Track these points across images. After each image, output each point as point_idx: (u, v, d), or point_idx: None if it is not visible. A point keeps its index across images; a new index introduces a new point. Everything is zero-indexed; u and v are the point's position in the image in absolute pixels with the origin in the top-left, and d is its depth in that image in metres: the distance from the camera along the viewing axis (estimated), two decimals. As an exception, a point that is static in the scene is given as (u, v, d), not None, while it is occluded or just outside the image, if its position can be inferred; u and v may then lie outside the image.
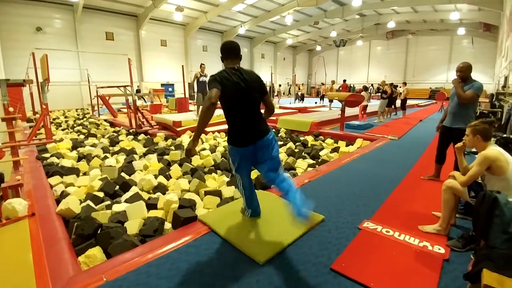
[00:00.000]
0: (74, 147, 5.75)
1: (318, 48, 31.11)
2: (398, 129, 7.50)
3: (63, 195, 3.18)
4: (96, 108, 12.11)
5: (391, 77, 24.56)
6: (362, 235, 2.23)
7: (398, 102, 10.60)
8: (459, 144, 2.27)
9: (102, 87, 10.86)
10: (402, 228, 2.31)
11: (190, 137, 6.66)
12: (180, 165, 4.45)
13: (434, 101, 20.01)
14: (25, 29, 14.05)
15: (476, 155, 2.08)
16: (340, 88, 15.77)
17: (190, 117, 7.91)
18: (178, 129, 7.16)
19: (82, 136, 7.19)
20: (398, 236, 2.18)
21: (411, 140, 6.14)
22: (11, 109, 3.78)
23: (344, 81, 16.24)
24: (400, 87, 10.97)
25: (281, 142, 6.28)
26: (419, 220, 2.44)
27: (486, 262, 1.48)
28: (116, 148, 5.66)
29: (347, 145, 5.99)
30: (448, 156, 3.42)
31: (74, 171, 4.06)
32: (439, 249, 2.00)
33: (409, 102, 11.53)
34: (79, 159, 4.92)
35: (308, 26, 23.84)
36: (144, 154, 5.21)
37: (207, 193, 3.23)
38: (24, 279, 1.70)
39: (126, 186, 3.53)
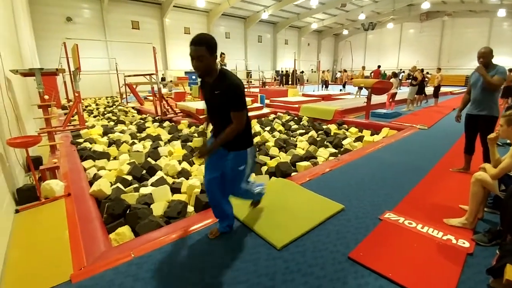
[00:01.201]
0: (104, 133, 6.09)
1: (345, 32, 29.74)
2: (428, 118, 7.10)
3: (96, 177, 3.41)
4: (124, 96, 12.64)
5: (424, 63, 23.04)
6: (383, 225, 2.19)
7: (429, 90, 9.97)
8: (492, 135, 2.13)
9: (129, 76, 11.27)
10: (426, 220, 2.23)
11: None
12: (202, 151, 4.56)
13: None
14: (56, 19, 14.75)
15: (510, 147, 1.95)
16: (372, 75, 14.99)
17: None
18: (201, 116, 7.30)
19: (112, 123, 7.58)
20: (421, 228, 2.12)
21: (442, 130, 5.80)
22: (46, 96, 4.05)
23: (379, 67, 15.20)
24: (428, 72, 10.26)
25: (303, 131, 6.22)
26: (444, 213, 2.34)
27: (511, 257, 1.41)
28: (143, 135, 5.92)
29: (372, 134, 5.79)
30: (477, 148, 3.22)
31: (105, 155, 4.32)
32: (464, 243, 1.93)
33: (442, 89, 10.78)
34: (110, 144, 5.22)
35: (334, 9, 22.78)
36: (169, 141, 5.40)
37: (227, 179, 3.31)
38: (61, 253, 1.88)
39: (152, 170, 3.72)
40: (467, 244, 1.91)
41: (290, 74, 21.11)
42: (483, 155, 3.02)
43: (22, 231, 2.19)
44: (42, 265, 1.77)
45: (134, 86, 11.95)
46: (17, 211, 2.47)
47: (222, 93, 1.68)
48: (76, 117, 7.09)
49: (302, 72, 21.61)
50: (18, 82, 4.50)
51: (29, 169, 3.11)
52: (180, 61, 20.12)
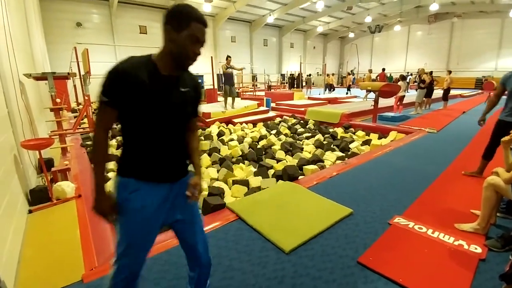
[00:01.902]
0: (113, 136, 6.17)
1: (351, 35, 29.65)
2: (437, 121, 7.00)
3: (105, 179, 3.46)
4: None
5: (433, 65, 22.75)
6: (392, 230, 2.17)
7: (438, 92, 9.81)
8: (506, 138, 2.09)
9: (137, 79, 11.43)
10: (437, 225, 2.20)
11: (218, 128, 6.78)
12: (209, 154, 4.60)
13: (480, 91, 18.27)
14: (67, 24, 15.09)
15: None
16: (378, 78, 14.89)
17: (218, 109, 8.07)
18: (207, 120, 7.35)
19: (119, 126, 7.68)
20: (431, 233, 2.09)
21: (452, 134, 5.71)
22: (58, 100, 4.14)
23: (383, 69, 15.07)
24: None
25: (309, 134, 6.20)
26: (455, 218, 2.31)
27: (527, 264, 1.38)
28: (150, 137, 5.98)
29: (379, 138, 5.75)
30: (497, 153, 3.15)
31: (114, 158, 4.37)
32: (476, 248, 1.89)
33: (451, 92, 10.61)
34: (118, 147, 5.29)
35: (340, 12, 22.73)
36: (176, 143, 5.45)
37: (235, 182, 3.32)
38: (73, 253, 1.91)
39: (159, 173, 3.75)
40: (479, 250, 1.87)
41: (296, 77, 21.15)
42: None
43: (35, 231, 2.23)
44: (55, 265, 1.80)
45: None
46: (30, 212, 2.53)
47: (192, 90, 1.16)
48: (85, 120, 7.22)
49: (310, 75, 21.61)
50: (30, 85, 4.62)
51: (41, 170, 3.17)
52: (186, 65, 20.32)
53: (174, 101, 1.09)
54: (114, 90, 1.01)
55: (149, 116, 1.05)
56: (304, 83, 19.44)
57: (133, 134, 1.09)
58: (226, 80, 7.96)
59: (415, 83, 10.85)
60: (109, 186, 2.85)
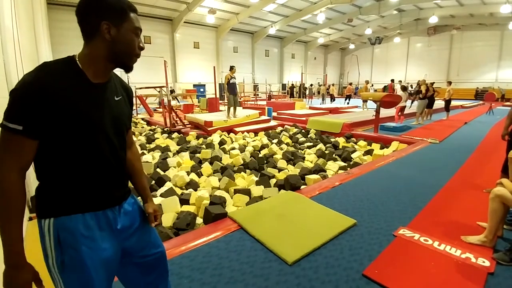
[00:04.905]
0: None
1: (351, 46, 30.10)
2: (439, 132, 7.00)
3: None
4: (134, 107, 12.92)
5: (432, 76, 22.98)
6: (398, 242, 2.13)
7: (438, 103, 9.85)
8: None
9: (140, 88, 11.56)
10: (443, 237, 2.16)
11: (220, 136, 6.79)
12: (211, 163, 4.58)
13: (481, 102, 18.34)
14: (74, 34, 15.30)
15: None
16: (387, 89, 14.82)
17: (220, 117, 8.10)
18: (209, 128, 7.37)
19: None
20: (437, 246, 2.05)
21: (454, 144, 5.69)
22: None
23: (392, 80, 14.34)
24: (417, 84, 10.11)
25: (311, 143, 6.20)
26: (462, 230, 2.27)
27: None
28: (152, 145, 5.99)
29: (381, 148, 5.73)
30: (495, 165, 3.13)
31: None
32: (484, 261, 1.85)
33: (452, 103, 10.66)
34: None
35: (341, 24, 23.18)
36: (178, 152, 5.44)
37: (236, 191, 3.29)
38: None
39: (161, 181, 3.73)
40: (487, 263, 1.83)
41: (298, 88, 21.34)
42: None
43: (35, 239, 2.19)
44: (52, 275, 1.76)
45: (144, 98, 12.23)
46: (30, 219, 2.50)
47: (125, 97, 1.02)
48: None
49: (312, 85, 21.81)
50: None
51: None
52: (189, 74, 20.61)
53: (111, 115, 0.91)
54: (30, 114, 0.75)
55: (85, 138, 0.84)
56: (306, 93, 19.57)
57: (61, 161, 0.84)
58: (230, 90, 8.04)
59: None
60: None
